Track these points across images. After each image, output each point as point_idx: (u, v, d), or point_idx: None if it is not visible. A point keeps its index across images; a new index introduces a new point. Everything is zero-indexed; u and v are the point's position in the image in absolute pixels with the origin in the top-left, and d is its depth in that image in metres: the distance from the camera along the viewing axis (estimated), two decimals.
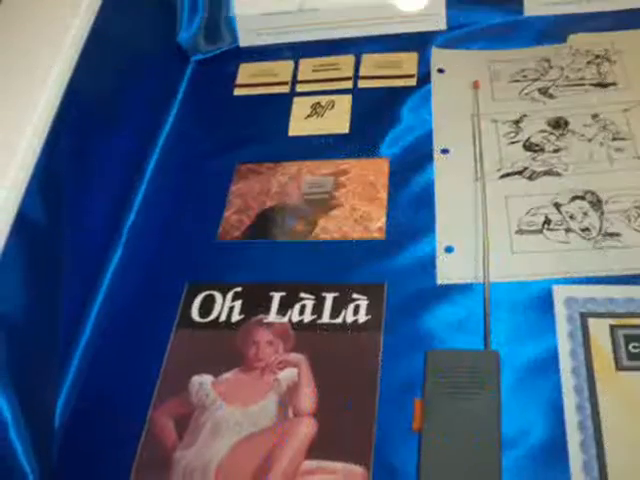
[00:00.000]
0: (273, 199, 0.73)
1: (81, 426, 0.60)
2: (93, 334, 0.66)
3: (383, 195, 0.71)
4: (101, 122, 0.70)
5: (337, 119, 0.79)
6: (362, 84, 0.83)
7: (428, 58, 0.82)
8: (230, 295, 0.65)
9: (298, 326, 0.62)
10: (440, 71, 0.81)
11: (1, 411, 0.52)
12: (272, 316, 0.63)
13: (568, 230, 0.64)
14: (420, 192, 0.71)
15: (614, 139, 0.70)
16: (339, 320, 0.62)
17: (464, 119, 0.75)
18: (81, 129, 0.65)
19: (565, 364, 0.56)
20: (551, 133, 0.72)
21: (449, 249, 0.65)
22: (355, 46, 0.87)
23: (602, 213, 0.65)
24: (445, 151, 0.73)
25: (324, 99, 0.81)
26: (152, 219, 0.75)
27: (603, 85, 0.75)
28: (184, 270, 0.69)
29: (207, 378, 0.60)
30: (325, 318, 0.63)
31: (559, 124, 0.73)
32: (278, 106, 0.82)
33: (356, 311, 0.63)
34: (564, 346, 0.57)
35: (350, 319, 0.62)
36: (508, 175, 0.69)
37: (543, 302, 0.60)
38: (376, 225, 0.69)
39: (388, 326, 0.61)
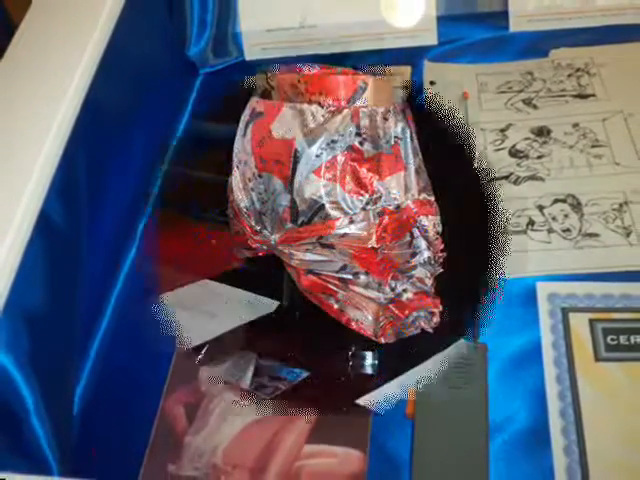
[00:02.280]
0: None
1: (98, 413, 0.60)
2: (109, 327, 0.66)
3: None
4: (117, 131, 0.70)
5: None
6: None
7: (421, 71, 0.83)
8: None
9: None
10: (432, 83, 0.81)
11: (24, 400, 0.52)
12: None
13: (550, 231, 0.65)
14: None
15: (593, 146, 0.70)
16: None
17: None
18: (98, 137, 0.65)
19: (548, 355, 0.57)
20: (535, 141, 0.73)
21: None
22: (352, 60, 0.86)
23: (582, 215, 0.65)
24: None
25: None
26: None
27: (583, 96, 0.76)
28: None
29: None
30: None
31: (542, 132, 0.73)
32: None
33: None
34: (547, 339, 0.58)
35: None
36: (495, 180, 0.70)
37: (527, 298, 0.61)
38: None
39: None
